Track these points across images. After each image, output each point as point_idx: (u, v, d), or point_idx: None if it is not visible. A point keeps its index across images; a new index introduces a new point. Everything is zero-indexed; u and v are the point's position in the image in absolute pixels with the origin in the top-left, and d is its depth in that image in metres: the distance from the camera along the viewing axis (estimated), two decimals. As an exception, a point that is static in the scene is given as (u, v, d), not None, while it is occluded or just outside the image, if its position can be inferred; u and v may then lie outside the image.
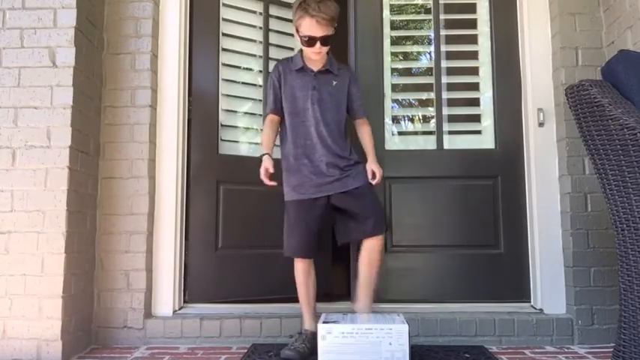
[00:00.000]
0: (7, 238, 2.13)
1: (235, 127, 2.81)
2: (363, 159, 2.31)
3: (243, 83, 2.84)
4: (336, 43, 3.10)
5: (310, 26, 2.17)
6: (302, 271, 2.22)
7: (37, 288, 2.10)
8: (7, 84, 2.19)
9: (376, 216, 2.22)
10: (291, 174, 2.24)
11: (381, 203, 2.27)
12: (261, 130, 2.77)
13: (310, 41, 2.19)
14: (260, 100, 2.82)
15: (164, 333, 2.39)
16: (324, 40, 2.20)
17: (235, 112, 2.81)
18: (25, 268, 2.11)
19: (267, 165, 2.17)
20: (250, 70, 2.87)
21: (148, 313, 2.44)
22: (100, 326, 2.38)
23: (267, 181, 2.19)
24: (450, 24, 2.83)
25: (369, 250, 2.22)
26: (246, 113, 2.84)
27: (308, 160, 2.22)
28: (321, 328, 1.94)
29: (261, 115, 2.81)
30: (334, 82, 2.29)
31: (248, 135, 2.84)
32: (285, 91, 2.28)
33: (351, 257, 2.71)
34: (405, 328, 1.92)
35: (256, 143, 2.82)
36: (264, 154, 2.21)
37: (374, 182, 2.24)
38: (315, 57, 2.25)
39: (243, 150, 2.81)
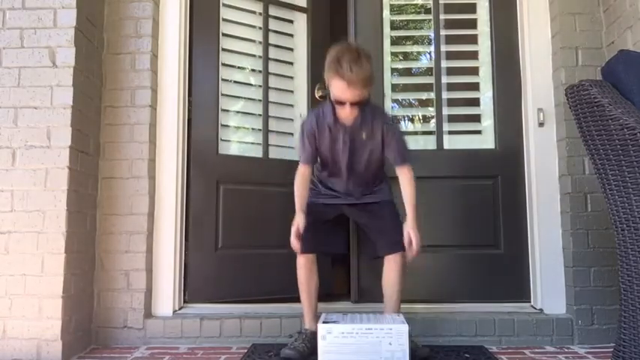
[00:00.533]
0: (7, 238, 2.12)
1: (235, 127, 2.81)
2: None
3: (243, 83, 2.84)
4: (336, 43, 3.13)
5: (341, 89, 1.97)
6: (302, 266, 2.19)
7: (37, 288, 2.10)
8: (7, 84, 2.19)
9: (391, 233, 2.17)
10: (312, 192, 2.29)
11: (400, 221, 2.19)
12: (260, 130, 2.81)
13: (340, 102, 2.02)
14: (260, 100, 2.82)
15: (164, 333, 2.39)
16: (355, 103, 2.01)
17: (235, 112, 2.81)
18: (25, 268, 2.11)
19: (299, 222, 2.10)
20: (250, 70, 2.87)
21: (148, 313, 2.44)
22: (100, 326, 2.38)
23: (295, 244, 2.09)
24: (450, 24, 2.83)
25: (386, 270, 2.19)
26: (246, 113, 2.84)
27: (331, 196, 2.27)
28: (321, 328, 1.93)
29: (260, 115, 2.81)
30: (364, 135, 2.13)
31: (248, 135, 2.84)
32: (319, 144, 2.18)
33: (351, 257, 2.71)
34: (405, 328, 1.92)
35: (256, 143, 2.82)
36: (297, 214, 2.13)
37: (410, 253, 2.10)
38: (346, 117, 2.08)
39: (244, 150, 2.81)
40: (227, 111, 2.77)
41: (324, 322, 1.96)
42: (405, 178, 2.16)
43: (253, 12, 2.86)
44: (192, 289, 2.59)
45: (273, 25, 2.89)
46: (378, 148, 2.17)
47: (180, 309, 2.53)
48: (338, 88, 1.99)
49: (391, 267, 2.17)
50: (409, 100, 3.00)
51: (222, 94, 2.74)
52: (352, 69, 1.93)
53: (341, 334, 1.92)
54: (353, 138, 2.14)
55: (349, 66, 1.93)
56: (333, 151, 2.18)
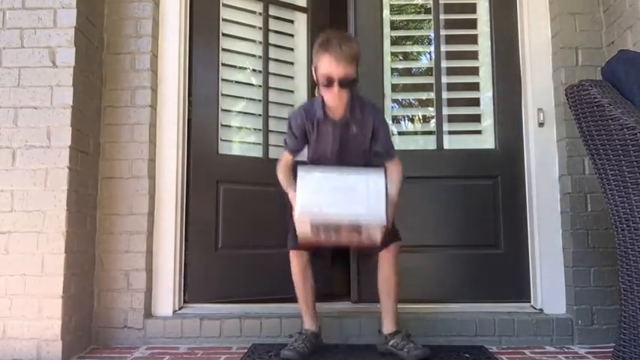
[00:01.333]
0: (7, 238, 2.12)
1: (235, 127, 2.81)
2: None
3: (243, 83, 2.84)
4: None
5: (329, 63, 2.00)
6: (296, 265, 2.16)
7: (37, 288, 2.10)
8: (7, 84, 2.19)
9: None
10: None
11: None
12: (260, 130, 2.80)
13: (328, 81, 2.02)
14: (260, 100, 2.82)
15: (164, 333, 2.39)
16: (344, 82, 2.02)
17: (235, 112, 2.81)
18: (25, 268, 2.11)
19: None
20: (251, 70, 2.87)
21: (148, 313, 2.44)
22: (100, 326, 2.38)
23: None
24: (450, 24, 2.83)
25: (380, 269, 2.16)
26: (246, 113, 2.84)
27: None
28: (300, 169, 1.97)
29: (260, 115, 2.81)
30: (354, 130, 2.15)
31: (248, 135, 2.85)
32: (308, 137, 2.20)
33: (351, 257, 2.71)
34: (381, 170, 1.97)
35: (256, 143, 2.82)
36: (289, 192, 2.10)
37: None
38: (334, 103, 2.09)
39: (243, 150, 2.81)
40: (227, 111, 2.77)
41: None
42: (394, 170, 2.16)
43: (253, 12, 2.86)
44: (192, 289, 2.59)
45: (273, 25, 2.89)
46: (367, 140, 2.19)
47: (180, 309, 2.53)
48: (326, 64, 2.02)
49: (384, 258, 2.15)
50: (409, 100, 3.01)
51: (223, 94, 2.74)
52: (341, 46, 2.01)
53: (320, 173, 1.97)
54: (342, 132, 2.16)
55: (338, 43, 2.01)
56: (322, 144, 2.19)
